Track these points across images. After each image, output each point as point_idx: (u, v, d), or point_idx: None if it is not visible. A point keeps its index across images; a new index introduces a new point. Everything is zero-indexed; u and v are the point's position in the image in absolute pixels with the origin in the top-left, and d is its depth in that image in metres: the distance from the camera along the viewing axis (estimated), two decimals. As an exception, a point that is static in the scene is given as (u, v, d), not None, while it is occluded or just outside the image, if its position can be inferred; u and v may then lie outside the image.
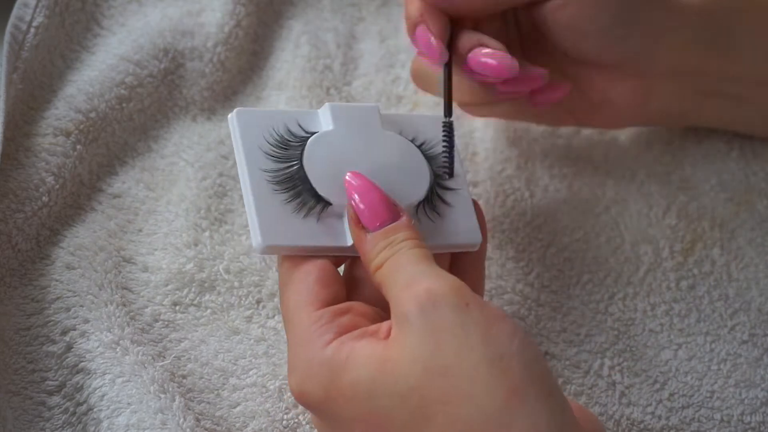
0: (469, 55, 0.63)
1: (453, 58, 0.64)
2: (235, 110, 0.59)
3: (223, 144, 0.73)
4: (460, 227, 0.60)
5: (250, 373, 0.64)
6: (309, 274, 0.56)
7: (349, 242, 0.57)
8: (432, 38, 0.63)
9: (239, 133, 0.59)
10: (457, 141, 0.62)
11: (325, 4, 0.81)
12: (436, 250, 0.59)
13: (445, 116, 0.62)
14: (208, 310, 0.66)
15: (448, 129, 0.61)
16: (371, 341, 0.53)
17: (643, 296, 0.69)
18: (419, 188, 0.60)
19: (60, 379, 0.62)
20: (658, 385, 0.66)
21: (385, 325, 0.54)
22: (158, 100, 0.73)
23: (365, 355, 0.52)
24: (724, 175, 0.75)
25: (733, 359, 0.67)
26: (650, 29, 0.67)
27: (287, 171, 0.58)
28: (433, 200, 0.60)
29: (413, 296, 0.51)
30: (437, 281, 0.52)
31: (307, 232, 0.57)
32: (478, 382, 0.49)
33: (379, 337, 0.53)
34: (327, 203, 0.58)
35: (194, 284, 0.66)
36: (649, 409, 0.65)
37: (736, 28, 0.69)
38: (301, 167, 0.58)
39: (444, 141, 0.61)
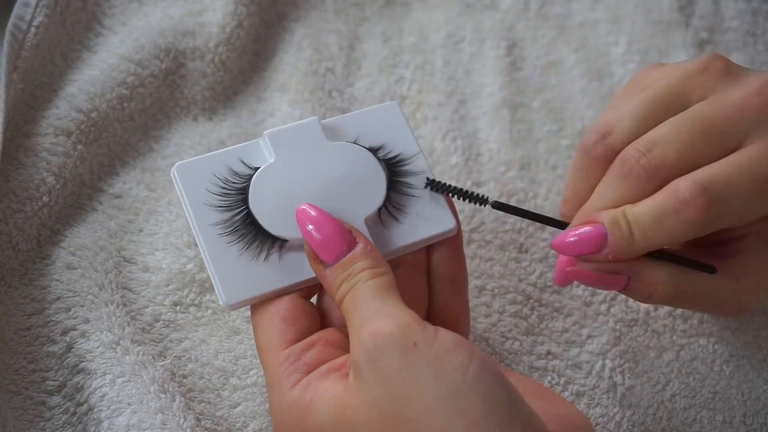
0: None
1: None
2: (174, 166, 0.58)
3: (224, 144, 0.73)
4: (431, 217, 0.59)
5: (251, 373, 0.64)
6: (275, 314, 0.56)
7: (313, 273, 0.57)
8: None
9: (183, 191, 0.58)
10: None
11: (329, 5, 0.81)
12: (410, 248, 0.58)
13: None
14: (209, 310, 0.66)
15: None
16: (334, 383, 0.52)
17: (646, 297, 0.69)
18: (376, 193, 0.59)
19: (60, 379, 0.62)
20: (659, 387, 0.66)
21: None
22: (159, 100, 0.73)
23: (326, 399, 0.52)
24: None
25: (736, 361, 0.67)
26: None
27: (236, 219, 0.57)
28: (395, 199, 0.59)
29: (361, 344, 0.51)
30: (384, 322, 0.51)
31: (270, 276, 0.56)
32: (433, 425, 0.49)
33: (345, 372, 0.53)
34: (283, 241, 0.57)
35: (195, 284, 0.66)
36: (651, 411, 0.65)
37: None
38: (249, 211, 0.57)
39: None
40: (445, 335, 0.50)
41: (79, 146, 0.69)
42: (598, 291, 0.69)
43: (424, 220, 0.59)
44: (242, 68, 0.76)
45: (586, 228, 0.57)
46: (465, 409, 0.48)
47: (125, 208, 0.70)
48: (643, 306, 0.68)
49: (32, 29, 0.71)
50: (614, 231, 0.57)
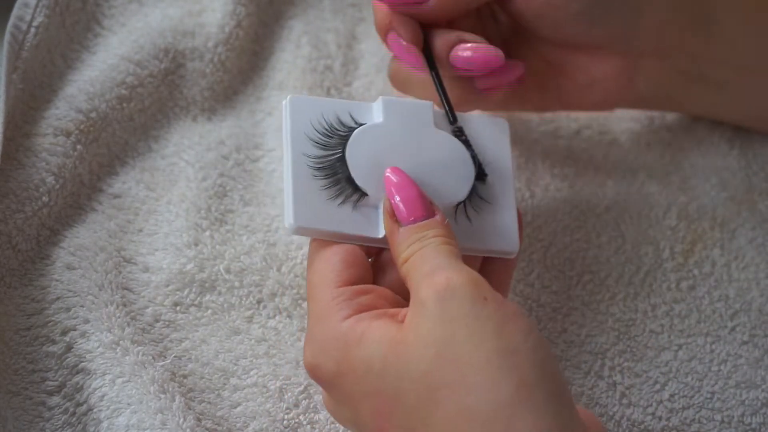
0: (452, 52, 0.63)
1: (436, 59, 0.64)
2: (288, 96, 0.61)
3: (223, 144, 0.73)
4: (498, 232, 0.61)
5: (251, 373, 0.64)
6: (335, 254, 0.57)
7: (381, 234, 0.58)
8: (404, 43, 0.63)
9: (289, 118, 0.60)
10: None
11: (326, 4, 0.81)
12: (469, 252, 0.60)
13: (451, 123, 0.62)
14: (209, 310, 0.66)
15: (460, 132, 0.62)
16: (387, 322, 0.53)
17: (644, 297, 0.69)
18: (460, 189, 0.60)
19: (60, 379, 0.62)
20: (658, 386, 0.66)
21: (404, 310, 0.54)
22: (159, 100, 0.73)
23: (380, 335, 0.53)
24: (725, 174, 0.74)
25: (734, 360, 0.67)
26: (627, 8, 0.67)
27: (329, 159, 0.59)
28: (475, 202, 0.61)
29: (432, 284, 0.52)
30: (458, 273, 0.52)
31: (339, 218, 0.58)
32: (487, 373, 0.50)
33: (397, 320, 0.54)
34: (363, 193, 0.59)
35: (195, 284, 0.66)
36: (650, 410, 0.65)
37: (715, 8, 0.68)
38: (343, 156, 0.59)
39: (464, 144, 0.62)
40: (512, 303, 0.52)
41: (79, 146, 0.69)
42: (597, 291, 0.69)
43: (491, 232, 0.61)
44: (241, 68, 0.76)
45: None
46: (520, 369, 0.50)
47: (125, 208, 0.69)
48: (641, 305, 0.69)
49: (32, 30, 0.71)
50: None
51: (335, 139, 0.60)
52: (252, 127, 0.74)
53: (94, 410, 0.61)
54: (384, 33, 0.64)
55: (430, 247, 0.55)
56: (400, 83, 0.68)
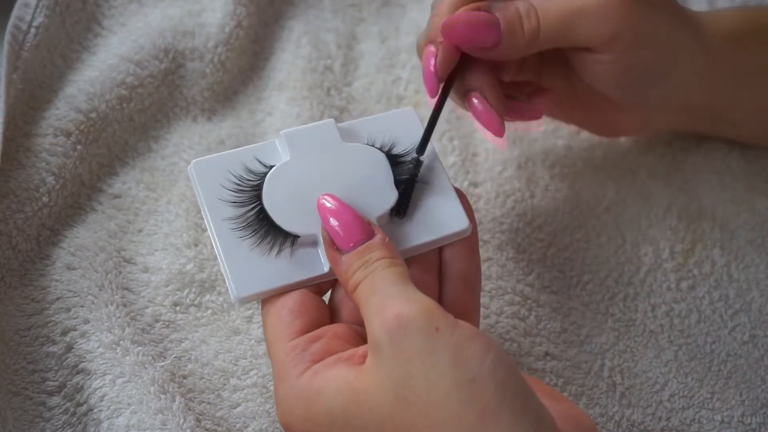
0: (467, 96, 0.63)
1: (453, 87, 0.63)
2: (192, 162, 0.59)
3: (223, 144, 0.73)
4: (445, 217, 0.59)
5: (251, 373, 0.64)
6: (283, 307, 0.56)
7: (326, 269, 0.57)
8: (432, 68, 0.62)
9: (198, 186, 0.59)
10: (435, 124, 0.62)
11: (326, 4, 0.81)
12: (424, 248, 0.59)
13: (417, 153, 0.61)
14: (209, 311, 0.66)
15: (415, 165, 0.60)
16: (343, 369, 0.53)
17: (644, 297, 0.69)
18: (390, 194, 0.59)
19: (60, 379, 0.62)
20: (658, 386, 0.66)
21: (361, 349, 0.54)
22: (159, 100, 0.73)
23: (337, 387, 0.52)
24: (725, 175, 0.75)
25: (734, 360, 0.67)
26: (667, 84, 0.67)
27: (249, 215, 0.58)
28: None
29: (383, 323, 0.51)
30: (407, 305, 0.51)
31: (280, 271, 0.57)
32: (448, 408, 0.49)
33: (354, 363, 0.53)
34: (295, 237, 0.58)
35: (195, 284, 0.67)
36: (650, 410, 0.65)
37: (742, 68, 0.69)
38: (262, 207, 0.58)
39: (407, 176, 0.60)
40: (465, 325, 0.51)
41: (79, 146, 0.69)
42: (597, 291, 0.69)
43: (438, 220, 0.59)
44: (241, 68, 0.76)
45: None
46: (480, 397, 0.49)
47: (125, 208, 0.70)
48: (641, 305, 0.69)
49: (32, 30, 0.71)
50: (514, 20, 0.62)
51: (248, 192, 0.59)
52: (252, 127, 0.74)
53: (95, 410, 0.61)
54: (425, 42, 0.63)
55: (375, 273, 0.54)
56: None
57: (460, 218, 0.59)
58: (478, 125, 0.63)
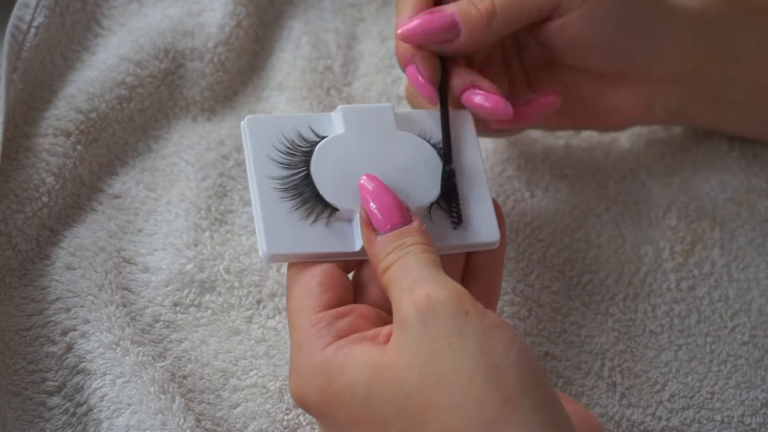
0: (463, 96, 0.63)
1: (448, 94, 0.63)
2: (246, 118, 0.60)
3: (223, 144, 0.73)
4: (478, 226, 0.60)
5: (251, 373, 0.64)
6: (312, 278, 0.57)
7: (357, 247, 0.58)
8: (422, 79, 0.62)
9: (249, 141, 0.59)
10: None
11: (326, 4, 0.81)
12: (452, 250, 0.59)
13: (445, 165, 0.61)
14: (209, 311, 0.66)
15: (449, 176, 0.60)
16: (369, 346, 0.53)
17: (644, 297, 0.69)
18: (432, 189, 0.60)
19: (60, 379, 0.62)
20: (658, 386, 0.66)
21: (385, 329, 0.54)
22: (159, 100, 0.73)
23: (362, 361, 0.52)
24: (725, 175, 0.75)
25: (734, 360, 0.67)
26: (652, 40, 0.67)
27: (294, 178, 0.59)
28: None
29: (413, 301, 0.52)
30: (439, 287, 0.52)
31: (313, 239, 0.57)
32: (471, 391, 0.50)
33: (378, 342, 0.53)
34: (334, 209, 0.58)
35: (194, 285, 0.66)
36: (650, 411, 0.65)
37: (735, 34, 0.69)
38: (308, 174, 0.59)
39: (447, 188, 0.60)
40: (493, 314, 0.52)
41: (79, 147, 0.69)
42: (597, 291, 0.69)
43: (471, 227, 0.60)
44: (241, 68, 0.76)
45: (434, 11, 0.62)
46: (504, 384, 0.50)
47: (125, 208, 0.69)
48: (641, 306, 0.69)
49: (32, 30, 0.71)
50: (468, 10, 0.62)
51: (298, 157, 0.59)
52: (252, 127, 0.74)
53: (95, 410, 0.61)
54: (404, 64, 0.63)
55: (409, 256, 0.54)
56: (417, 104, 0.67)
57: (493, 230, 0.60)
58: (485, 120, 0.64)
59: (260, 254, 0.57)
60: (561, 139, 0.76)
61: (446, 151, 0.61)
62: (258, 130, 0.59)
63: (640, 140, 0.76)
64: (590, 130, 0.75)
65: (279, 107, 0.75)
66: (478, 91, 0.63)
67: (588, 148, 0.75)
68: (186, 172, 0.71)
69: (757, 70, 0.70)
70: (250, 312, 0.66)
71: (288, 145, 0.59)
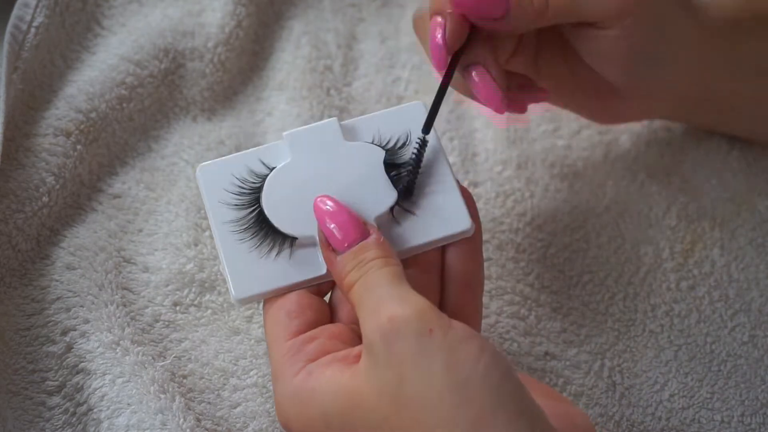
0: (466, 70, 0.62)
1: (455, 65, 0.62)
2: (198, 167, 0.60)
3: (223, 144, 0.73)
4: (447, 216, 0.59)
5: (251, 373, 0.64)
6: (280, 308, 0.57)
7: (324, 270, 0.58)
8: (440, 41, 0.60)
9: (203, 190, 0.60)
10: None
11: (326, 4, 0.81)
12: (425, 247, 0.58)
13: (423, 132, 0.60)
14: (209, 311, 0.66)
15: (420, 145, 0.60)
16: (338, 370, 0.53)
17: (644, 297, 0.69)
18: (390, 193, 0.59)
19: (60, 379, 0.62)
20: (658, 386, 0.66)
21: (356, 349, 0.54)
22: (158, 100, 0.73)
23: (332, 388, 0.52)
24: (725, 175, 0.74)
25: (734, 360, 0.67)
26: (671, 68, 0.66)
27: (249, 217, 0.59)
28: (410, 197, 0.59)
29: (377, 326, 0.51)
30: (400, 307, 0.51)
31: (279, 272, 0.58)
32: (441, 412, 0.49)
33: (348, 362, 0.53)
34: (293, 238, 0.58)
35: (195, 284, 0.67)
36: (650, 410, 0.65)
37: (741, 55, 0.69)
38: (261, 210, 0.59)
39: (413, 156, 0.60)
40: (459, 326, 0.51)
41: (79, 146, 0.69)
42: (597, 291, 0.69)
43: (440, 219, 0.59)
44: (241, 68, 0.76)
45: None
46: (474, 400, 0.49)
47: (124, 208, 0.70)
48: (641, 305, 0.69)
49: (32, 30, 0.71)
50: None
51: (249, 195, 0.59)
52: (252, 127, 0.74)
53: (94, 410, 0.61)
54: (434, 12, 0.61)
55: (370, 273, 0.54)
56: (420, 31, 0.65)
57: (463, 218, 0.59)
58: (477, 104, 0.63)
59: (231, 299, 0.58)
60: (561, 139, 0.76)
61: (430, 118, 0.60)
62: (210, 178, 0.60)
63: (640, 140, 0.76)
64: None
65: (279, 107, 0.75)
66: (484, 72, 0.62)
67: (588, 148, 0.75)
68: (186, 172, 0.71)
69: (758, 81, 0.70)
70: (251, 312, 0.66)
71: (239, 185, 0.59)
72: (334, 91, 0.76)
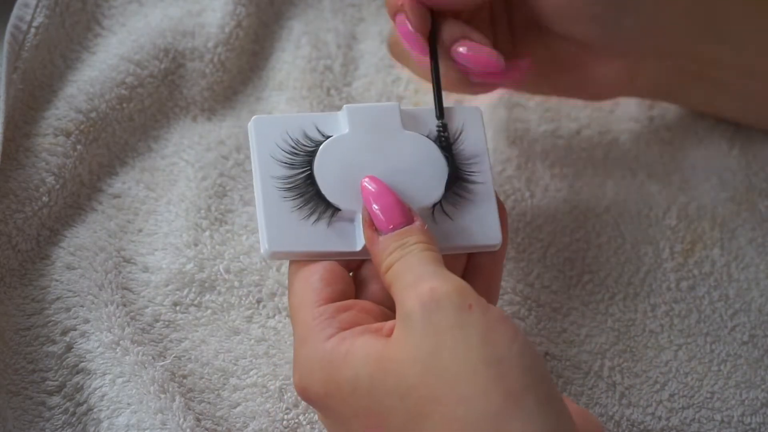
0: (452, 48, 0.63)
1: (436, 49, 0.64)
2: (253, 118, 0.60)
3: (223, 144, 0.73)
4: (480, 227, 0.60)
5: (251, 373, 0.64)
6: (313, 273, 0.57)
7: (359, 247, 0.58)
8: (411, 29, 0.63)
9: (254, 141, 0.60)
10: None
11: (326, 4, 0.81)
12: (453, 250, 0.59)
13: (438, 118, 0.61)
14: (209, 310, 0.66)
15: (443, 129, 0.61)
16: (371, 338, 0.53)
17: (644, 297, 0.69)
18: (435, 190, 0.60)
19: (60, 379, 0.62)
20: (658, 386, 0.66)
21: (389, 324, 0.54)
22: (158, 100, 0.73)
23: (365, 353, 0.53)
24: (725, 174, 0.74)
25: (734, 360, 0.67)
26: (642, 14, 0.67)
27: (297, 178, 0.59)
28: (453, 199, 0.60)
29: (417, 295, 0.52)
30: (442, 281, 0.52)
31: (314, 238, 0.58)
32: (474, 384, 0.50)
33: (381, 335, 0.54)
34: (336, 209, 0.58)
35: (194, 284, 0.67)
36: (650, 410, 0.65)
37: (733, 15, 0.69)
38: (311, 173, 0.59)
39: (442, 142, 0.61)
40: (496, 309, 0.52)
41: (79, 146, 0.69)
42: (597, 291, 0.69)
43: (473, 228, 0.60)
44: (241, 68, 0.76)
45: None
46: (506, 378, 0.50)
47: (124, 208, 0.70)
48: (641, 305, 0.69)
49: (32, 30, 0.71)
50: None
51: (302, 157, 0.59)
52: (252, 127, 0.74)
53: (94, 410, 0.61)
54: (393, 12, 0.63)
55: (411, 254, 0.54)
56: (397, 55, 0.68)
57: (495, 233, 0.60)
58: (478, 98, 0.64)
59: (261, 251, 0.58)
60: (561, 139, 0.76)
61: (438, 103, 0.61)
62: (263, 131, 0.60)
63: (640, 140, 0.76)
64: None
65: (279, 107, 0.75)
66: (467, 43, 0.63)
67: (588, 148, 0.75)
68: (186, 172, 0.71)
69: (744, 54, 0.70)
70: (250, 311, 0.66)
71: (292, 144, 0.60)
72: (334, 91, 0.76)
